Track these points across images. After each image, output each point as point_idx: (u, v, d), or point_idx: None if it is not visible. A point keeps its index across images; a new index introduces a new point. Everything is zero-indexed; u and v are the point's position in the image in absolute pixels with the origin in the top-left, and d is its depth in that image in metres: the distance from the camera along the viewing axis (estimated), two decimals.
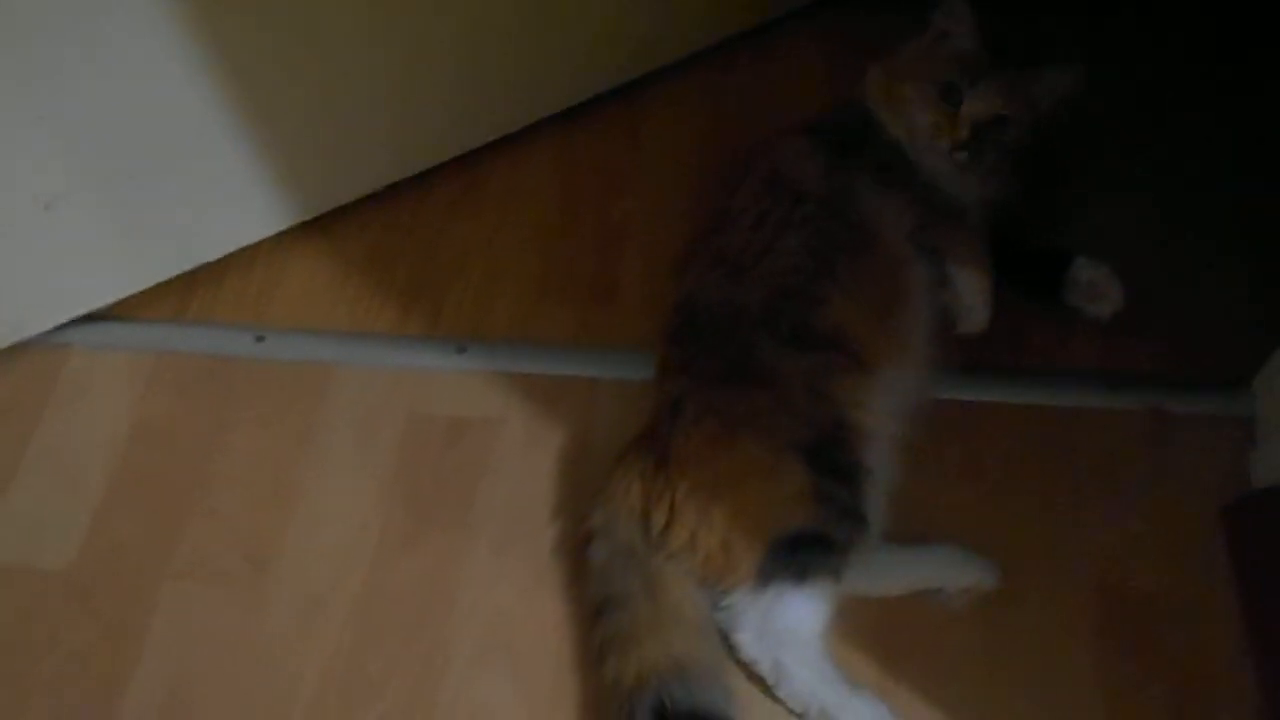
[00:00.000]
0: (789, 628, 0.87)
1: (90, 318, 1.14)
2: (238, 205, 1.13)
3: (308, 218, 1.18)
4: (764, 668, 0.87)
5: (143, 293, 1.14)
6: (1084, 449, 0.98)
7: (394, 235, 1.19)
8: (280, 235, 1.18)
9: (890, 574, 0.92)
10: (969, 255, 0.97)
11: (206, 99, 1.01)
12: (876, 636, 0.91)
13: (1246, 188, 1.11)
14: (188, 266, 1.15)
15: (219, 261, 1.16)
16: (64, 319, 1.13)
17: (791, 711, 0.87)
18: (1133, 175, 1.14)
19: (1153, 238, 1.09)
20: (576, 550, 0.94)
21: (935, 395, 0.99)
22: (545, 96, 1.21)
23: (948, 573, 0.91)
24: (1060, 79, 0.97)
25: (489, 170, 1.22)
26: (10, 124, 0.94)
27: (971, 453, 0.98)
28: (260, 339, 1.13)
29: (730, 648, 0.89)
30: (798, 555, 0.87)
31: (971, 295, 0.97)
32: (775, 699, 0.88)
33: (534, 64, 1.16)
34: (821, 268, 0.92)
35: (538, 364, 1.08)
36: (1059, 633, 0.89)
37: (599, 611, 0.89)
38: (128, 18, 0.92)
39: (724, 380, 0.91)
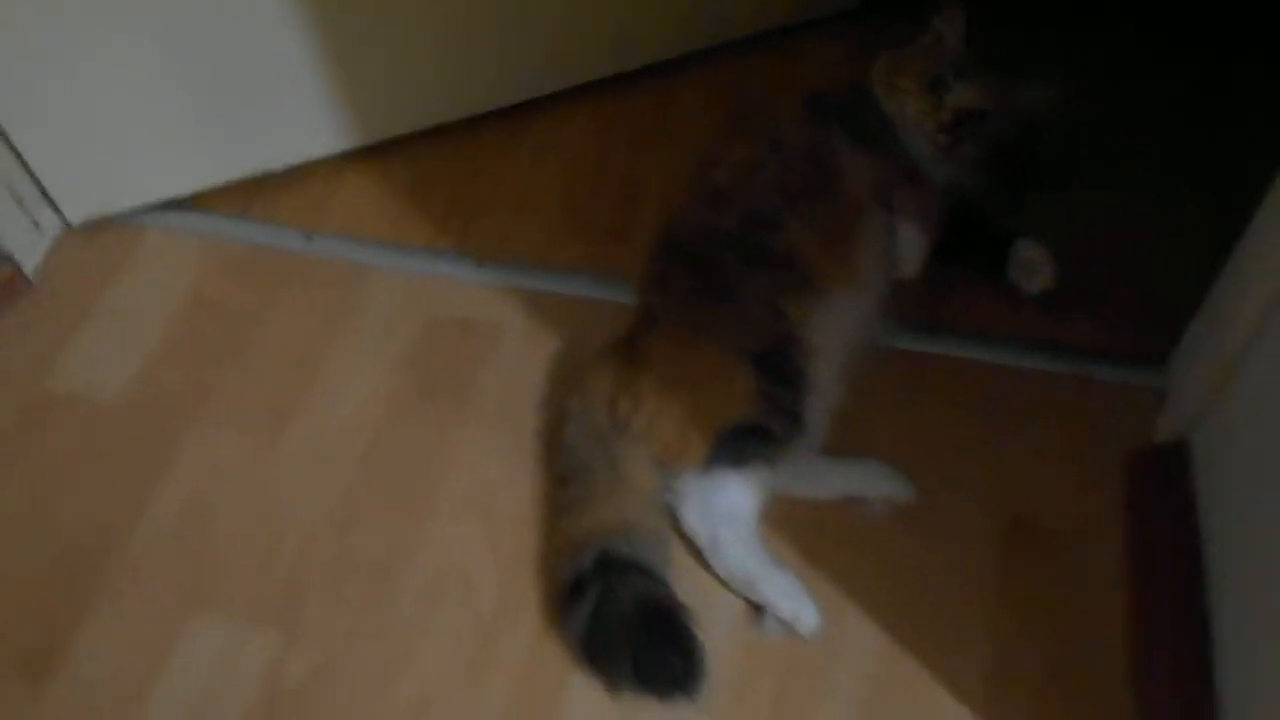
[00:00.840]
0: (728, 505, 1.01)
1: (167, 205, 1.33)
2: (306, 123, 1.31)
3: (365, 143, 1.36)
4: (702, 540, 1.01)
5: (214, 189, 1.33)
6: (1012, 402, 1.11)
7: (438, 168, 1.36)
8: (339, 156, 1.36)
9: (821, 479, 1.05)
10: (916, 213, 1.11)
11: (293, 19, 1.20)
12: (803, 531, 1.04)
13: (1193, 189, 1.24)
14: (257, 170, 1.33)
15: (284, 171, 1.34)
16: (144, 202, 1.32)
17: (720, 580, 1.00)
18: (1091, 172, 1.28)
19: (1100, 229, 1.23)
20: (553, 431, 1.09)
21: (888, 340, 1.13)
22: (587, 63, 1.38)
23: (870, 484, 1.04)
24: (1038, 90, 1.12)
25: (530, 123, 1.38)
26: (118, 8, 1.12)
27: (910, 391, 1.12)
28: (309, 238, 1.30)
29: (675, 522, 1.03)
30: (739, 443, 1.01)
31: (908, 246, 1.11)
32: (708, 570, 1.01)
33: (578, 32, 1.34)
34: (786, 201, 1.07)
35: (545, 282, 1.24)
36: (965, 547, 1.02)
37: (564, 480, 1.04)
38: None
39: (694, 292, 1.05)
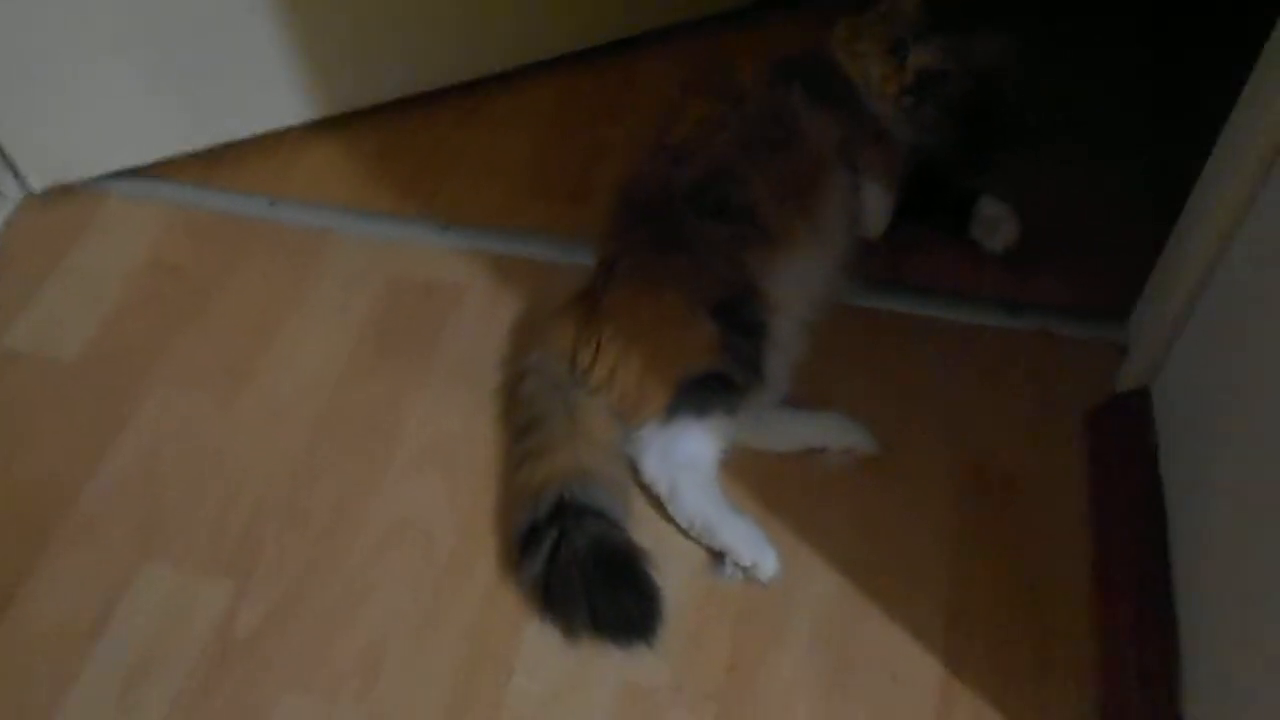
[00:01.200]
0: (688, 454, 1.00)
1: (131, 172, 1.32)
2: (271, 92, 1.31)
3: (330, 114, 1.36)
4: (661, 488, 1.00)
5: (179, 157, 1.32)
6: (975, 358, 1.11)
7: (404, 137, 1.37)
8: (305, 126, 1.36)
9: (782, 430, 1.05)
10: (881, 171, 1.12)
11: None
12: (764, 481, 1.03)
13: (1154, 151, 1.26)
14: (222, 139, 1.33)
15: (248, 140, 1.34)
16: (107, 170, 1.31)
17: (679, 528, 1.00)
18: (1053, 133, 1.29)
19: (1062, 188, 1.24)
20: (513, 386, 1.09)
21: (850, 296, 1.14)
22: (552, 39, 1.39)
23: (831, 435, 1.04)
24: (994, 42, 1.14)
25: (496, 96, 1.39)
26: None
27: (873, 348, 1.12)
28: (273, 204, 1.30)
29: (636, 474, 1.02)
30: (700, 392, 1.00)
31: (872, 204, 1.12)
32: (668, 519, 1.00)
33: (542, 7, 1.35)
34: (746, 155, 1.08)
35: (508, 245, 1.24)
36: (926, 495, 1.01)
37: (523, 430, 1.03)
38: None
39: (653, 245, 1.06)
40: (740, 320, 1.02)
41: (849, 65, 1.16)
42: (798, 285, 1.06)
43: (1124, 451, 1.00)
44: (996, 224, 1.14)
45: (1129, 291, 1.10)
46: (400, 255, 1.25)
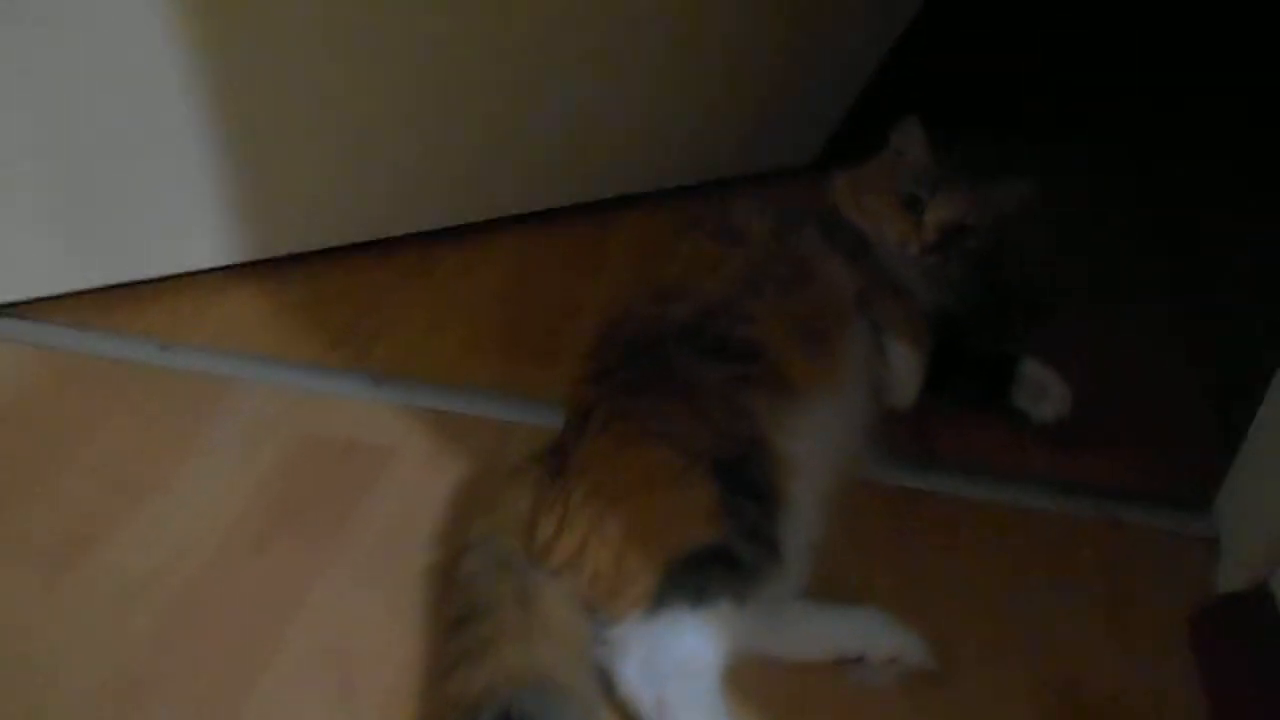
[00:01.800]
0: (681, 659, 0.74)
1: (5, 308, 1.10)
2: (180, 233, 1.13)
3: (252, 258, 1.18)
4: (645, 706, 0.73)
5: (65, 295, 1.11)
6: (1033, 548, 0.89)
7: (338, 287, 1.18)
8: (223, 270, 1.17)
9: (805, 631, 0.80)
10: (908, 331, 0.96)
11: (172, 124, 1.04)
12: (783, 703, 0.77)
13: (1210, 306, 1.13)
14: (118, 279, 1.13)
15: (151, 281, 1.14)
16: None
17: None
18: (1096, 291, 1.16)
19: (1102, 355, 1.08)
20: (449, 567, 0.83)
21: (879, 472, 0.93)
22: (514, 196, 1.26)
23: (871, 639, 0.79)
24: (1014, 188, 1.02)
25: (452, 247, 1.23)
26: None
27: (909, 532, 0.90)
28: (164, 348, 1.08)
29: (609, 682, 0.75)
30: (698, 573, 0.76)
31: (903, 370, 0.95)
32: None
33: (504, 164, 1.22)
34: (750, 291, 0.91)
35: (453, 403, 1.03)
36: None
37: (459, 623, 0.77)
38: (116, 24, 0.96)
39: (639, 389, 0.85)
40: (748, 481, 0.80)
41: (858, 220, 1.02)
42: (817, 443, 0.85)
43: (1244, 660, 0.77)
44: (1045, 388, 0.96)
45: (1201, 471, 0.91)
46: (319, 409, 1.02)
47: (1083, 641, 0.82)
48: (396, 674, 0.78)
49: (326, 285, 1.18)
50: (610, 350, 0.90)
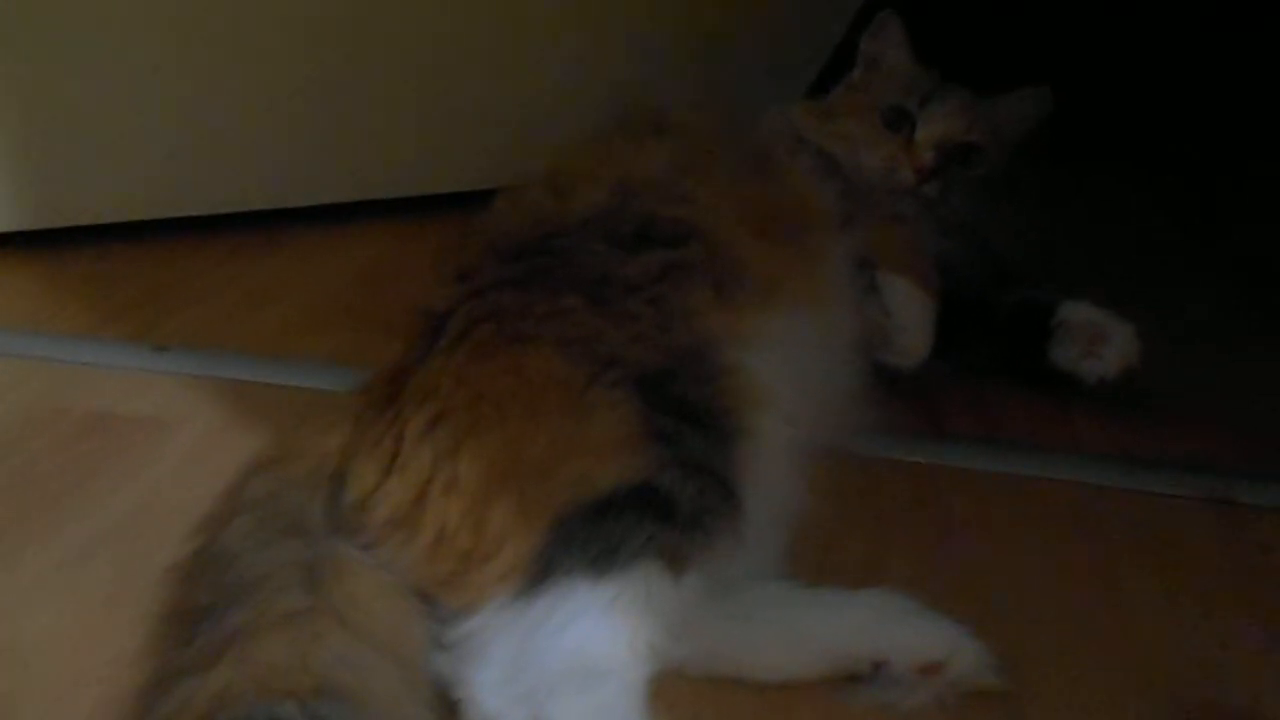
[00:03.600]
0: (572, 658, 0.44)
1: None
2: None
3: (25, 228, 0.91)
4: None
5: None
6: (1126, 530, 0.62)
7: (140, 264, 0.92)
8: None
9: (790, 627, 0.50)
10: (910, 264, 0.71)
11: None
12: None
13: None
14: None
15: None
16: None
17: None
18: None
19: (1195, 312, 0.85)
20: (204, 540, 0.52)
21: (882, 446, 0.66)
22: (363, 181, 1.02)
23: (896, 636, 0.49)
24: (1026, 98, 0.81)
25: (300, 235, 0.99)
26: None
27: (940, 513, 0.62)
28: None
29: (453, 705, 0.44)
30: (604, 527, 0.47)
31: (906, 311, 0.69)
32: None
33: (349, 148, 1.00)
34: (688, 172, 0.65)
35: (264, 372, 0.74)
36: None
37: (199, 615, 0.45)
38: None
39: (519, 285, 0.58)
40: (683, 400, 0.52)
41: (835, 155, 0.78)
42: (785, 360, 0.58)
43: None
44: (1102, 335, 0.71)
45: None
46: (62, 379, 0.73)
47: (1211, 647, 0.53)
48: (69, 694, 0.46)
49: (122, 263, 0.92)
50: (481, 250, 0.63)
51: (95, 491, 0.61)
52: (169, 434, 0.67)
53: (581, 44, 1.02)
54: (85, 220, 0.94)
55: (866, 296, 0.70)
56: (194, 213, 0.97)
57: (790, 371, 0.58)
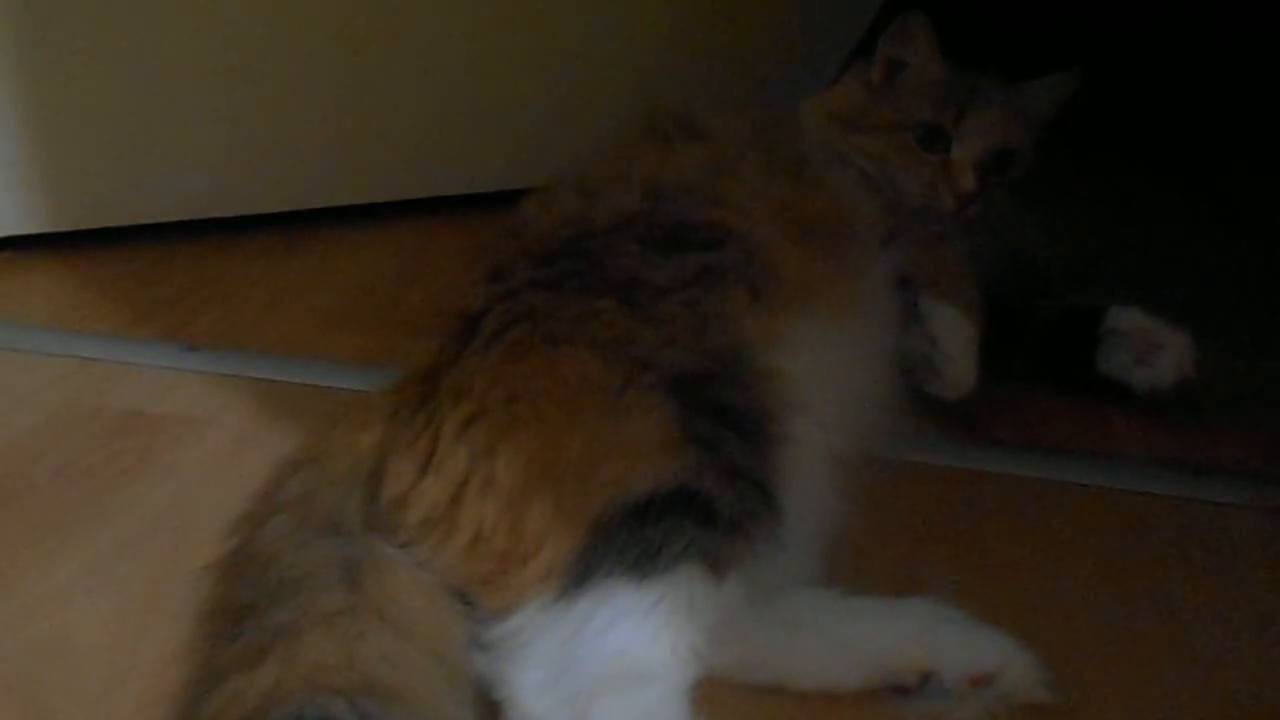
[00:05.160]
0: (616, 661, 0.44)
1: None
2: None
3: (52, 230, 0.94)
4: None
5: None
6: (1171, 538, 0.61)
7: (168, 264, 0.94)
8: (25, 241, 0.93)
9: (835, 635, 0.50)
10: (954, 291, 0.70)
11: None
12: None
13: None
14: None
15: None
16: None
17: None
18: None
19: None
20: (241, 540, 0.53)
21: (926, 452, 0.66)
22: (384, 182, 1.03)
23: (945, 646, 0.49)
24: (1057, 87, 0.79)
25: (324, 234, 1.00)
26: None
27: (979, 517, 0.61)
28: None
29: (493, 705, 0.44)
30: (646, 530, 0.47)
31: (951, 341, 0.68)
32: None
33: (372, 149, 1.01)
34: (722, 174, 0.66)
35: (289, 372, 0.75)
36: None
37: (242, 613, 0.46)
38: None
39: (553, 286, 0.58)
40: (721, 403, 0.53)
41: (859, 160, 0.77)
42: (823, 364, 0.58)
43: None
44: (1153, 342, 0.70)
45: None
46: (96, 377, 0.75)
47: (1247, 657, 0.53)
48: (112, 699, 0.47)
49: (151, 264, 0.94)
50: (514, 251, 0.63)
51: (134, 488, 0.62)
52: (201, 432, 0.68)
53: (605, 44, 1.02)
54: (115, 222, 0.95)
55: (910, 322, 0.69)
56: (222, 214, 0.98)
57: (826, 379, 0.58)
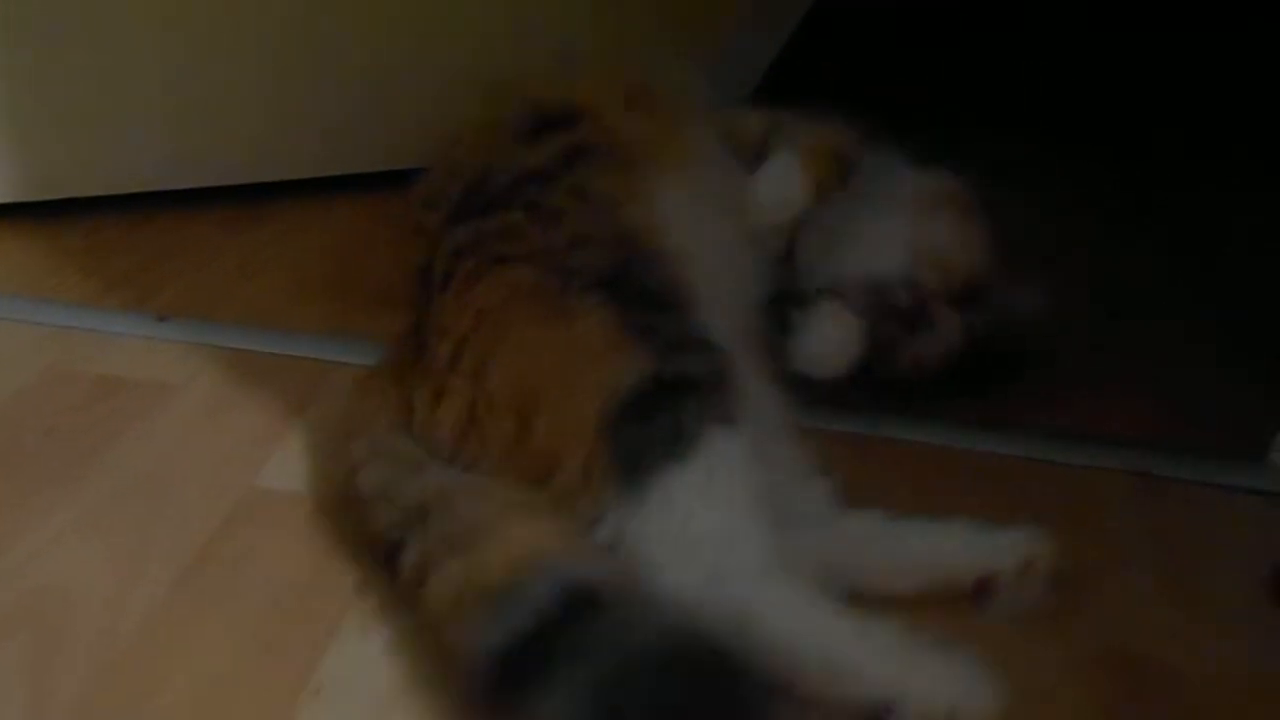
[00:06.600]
0: (706, 534, 0.53)
1: None
2: None
3: (17, 200, 0.98)
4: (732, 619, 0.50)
5: None
6: (1049, 504, 0.70)
7: (135, 235, 0.98)
8: None
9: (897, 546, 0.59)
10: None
11: None
12: None
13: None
14: None
15: None
16: None
17: None
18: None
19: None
20: (340, 487, 0.60)
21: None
22: (354, 155, 1.09)
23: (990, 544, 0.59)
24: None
25: (290, 207, 1.05)
26: None
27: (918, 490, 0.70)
28: None
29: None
30: (655, 418, 0.55)
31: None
32: None
33: (339, 121, 1.05)
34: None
35: (259, 341, 0.81)
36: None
37: (402, 536, 0.54)
38: None
39: (471, 218, 0.66)
40: (642, 289, 0.61)
41: None
42: (695, 216, 0.67)
43: None
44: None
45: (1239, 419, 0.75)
46: (74, 345, 0.80)
47: (1141, 608, 0.62)
48: (110, 637, 0.54)
49: (116, 235, 0.98)
50: (431, 204, 0.70)
51: (116, 449, 0.68)
52: (176, 397, 0.74)
53: (565, 21, 1.07)
54: (80, 192, 1.00)
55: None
56: (184, 185, 1.02)
57: (693, 214, 0.67)
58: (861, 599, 0.55)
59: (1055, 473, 0.73)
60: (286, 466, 0.67)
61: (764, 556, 0.52)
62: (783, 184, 0.73)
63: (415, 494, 0.55)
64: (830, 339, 0.70)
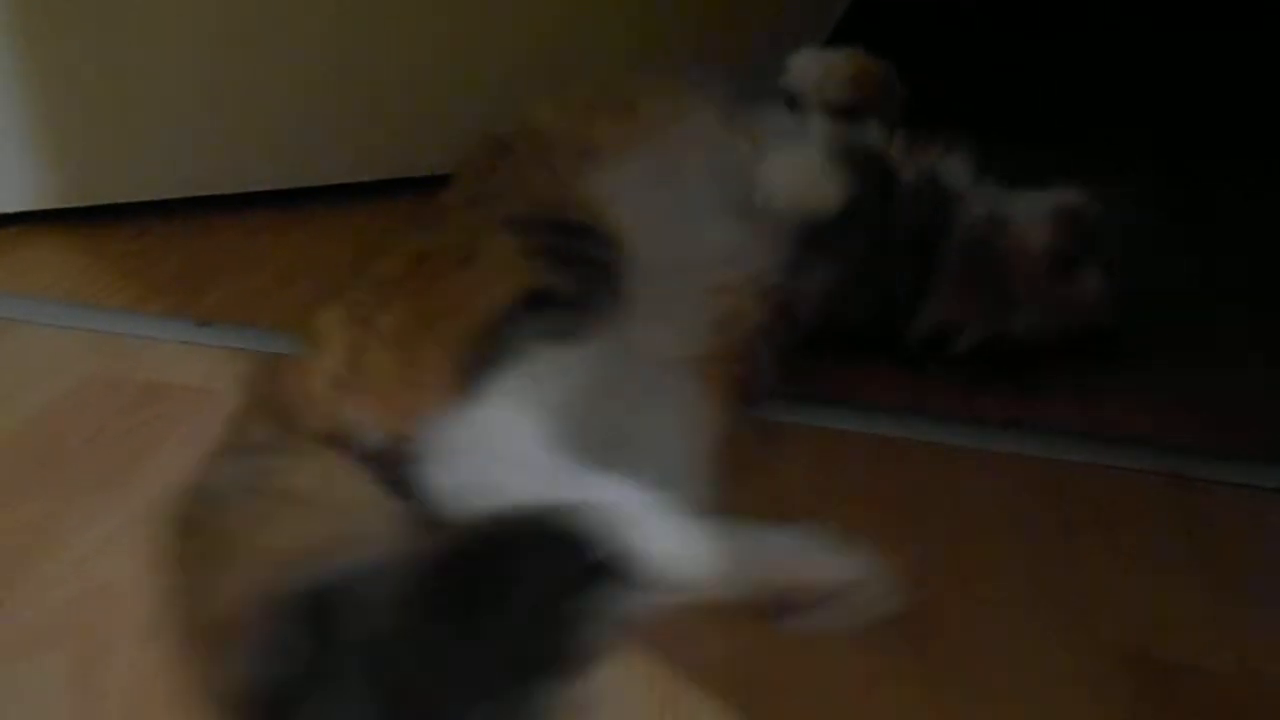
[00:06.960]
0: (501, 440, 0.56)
1: None
2: None
3: (62, 205, 1.01)
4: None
5: None
6: (1081, 501, 0.71)
7: (173, 241, 1.01)
8: (37, 217, 1.00)
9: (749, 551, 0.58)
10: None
11: None
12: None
13: None
14: None
15: None
16: None
17: None
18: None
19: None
20: None
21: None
22: (384, 161, 1.11)
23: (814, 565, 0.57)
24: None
25: (318, 211, 1.07)
26: None
27: (913, 490, 0.71)
28: None
29: None
30: (504, 332, 0.59)
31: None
32: None
33: (370, 127, 1.08)
34: None
35: (296, 346, 0.82)
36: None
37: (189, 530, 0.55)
38: None
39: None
40: (552, 221, 0.66)
41: None
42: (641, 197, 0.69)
43: None
44: None
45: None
46: (120, 351, 0.82)
47: (1159, 605, 0.62)
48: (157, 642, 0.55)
49: (158, 240, 1.01)
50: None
51: (160, 453, 0.70)
52: (218, 402, 0.76)
53: (596, 30, 1.09)
54: (121, 199, 1.02)
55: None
56: (223, 191, 1.05)
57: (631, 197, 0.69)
58: None
59: (1088, 474, 0.73)
60: None
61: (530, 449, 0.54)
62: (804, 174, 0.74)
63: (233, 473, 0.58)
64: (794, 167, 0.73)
